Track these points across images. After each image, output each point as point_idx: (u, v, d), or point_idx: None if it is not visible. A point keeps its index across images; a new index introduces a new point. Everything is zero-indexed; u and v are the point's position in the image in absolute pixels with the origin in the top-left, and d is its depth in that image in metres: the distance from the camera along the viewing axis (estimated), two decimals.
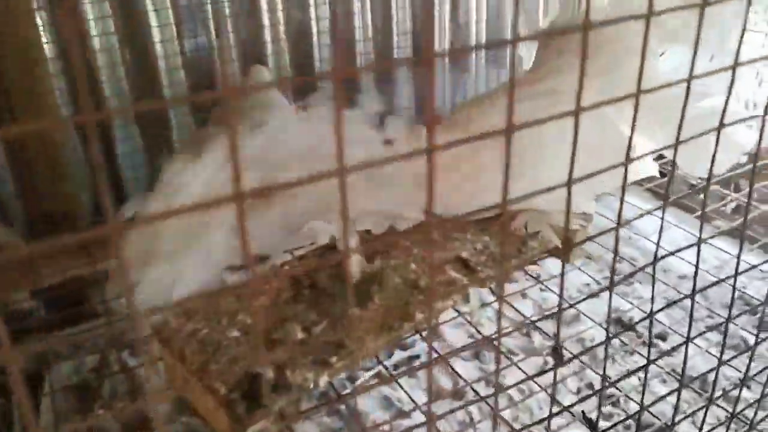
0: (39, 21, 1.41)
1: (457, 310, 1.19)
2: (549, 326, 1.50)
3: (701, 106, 1.06)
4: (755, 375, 0.97)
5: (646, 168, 1.14)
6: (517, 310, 1.41)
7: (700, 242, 0.67)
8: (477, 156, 1.14)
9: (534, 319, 1.44)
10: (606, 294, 1.58)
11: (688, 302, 1.50)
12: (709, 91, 1.04)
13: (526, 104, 1.20)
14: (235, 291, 1.06)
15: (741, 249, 0.73)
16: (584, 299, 1.22)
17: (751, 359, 0.86)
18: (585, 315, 1.46)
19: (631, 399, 1.30)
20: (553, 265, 1.58)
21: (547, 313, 1.46)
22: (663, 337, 1.52)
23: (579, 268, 1.62)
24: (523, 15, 1.36)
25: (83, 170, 1.55)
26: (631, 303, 1.55)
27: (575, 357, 1.21)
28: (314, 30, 1.77)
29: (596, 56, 1.17)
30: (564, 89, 1.22)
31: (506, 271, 1.05)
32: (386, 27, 1.88)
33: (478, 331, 1.25)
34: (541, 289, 1.57)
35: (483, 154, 1.15)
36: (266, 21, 1.70)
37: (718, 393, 1.08)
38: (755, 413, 0.99)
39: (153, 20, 1.54)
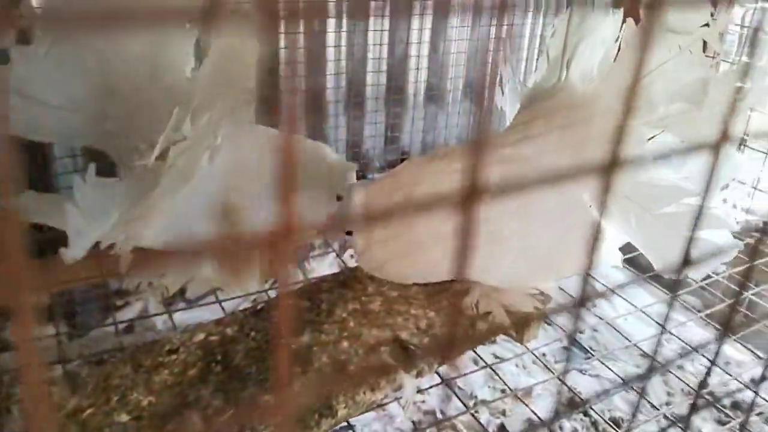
0: None
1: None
2: (499, 402, 1.39)
3: (686, 203, 0.95)
4: None
5: (609, 257, 1.03)
6: (458, 398, 1.29)
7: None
8: (429, 225, 1.01)
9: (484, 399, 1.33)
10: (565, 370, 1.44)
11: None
12: (696, 189, 0.93)
13: (494, 168, 1.09)
14: (133, 360, 0.92)
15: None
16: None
17: None
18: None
19: None
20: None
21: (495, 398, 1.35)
22: (617, 423, 1.42)
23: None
24: (507, 67, 1.25)
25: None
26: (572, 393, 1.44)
27: None
28: None
29: (576, 127, 1.06)
30: (534, 157, 1.11)
31: (453, 359, 0.93)
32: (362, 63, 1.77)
33: (415, 426, 1.13)
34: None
35: (435, 224, 1.03)
36: None
37: None
38: None
39: None
